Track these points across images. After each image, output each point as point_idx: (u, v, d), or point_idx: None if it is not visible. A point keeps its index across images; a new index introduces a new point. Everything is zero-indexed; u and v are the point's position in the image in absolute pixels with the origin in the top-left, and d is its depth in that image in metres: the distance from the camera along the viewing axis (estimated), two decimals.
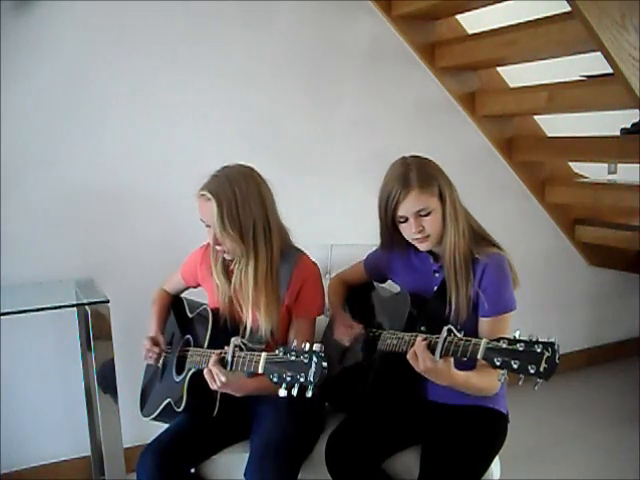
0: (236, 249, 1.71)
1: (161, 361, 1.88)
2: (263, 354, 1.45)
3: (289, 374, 1.37)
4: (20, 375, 2.36)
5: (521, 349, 1.29)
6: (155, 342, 1.86)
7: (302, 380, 1.35)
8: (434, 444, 1.64)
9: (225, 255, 1.76)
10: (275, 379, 1.39)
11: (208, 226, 1.71)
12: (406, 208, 1.61)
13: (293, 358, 1.38)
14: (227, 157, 1.77)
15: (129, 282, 2.44)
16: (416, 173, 1.61)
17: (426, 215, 1.61)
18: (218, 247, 1.73)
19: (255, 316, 1.72)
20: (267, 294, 1.72)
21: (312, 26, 2.69)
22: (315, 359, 1.35)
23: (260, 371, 1.45)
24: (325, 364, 1.35)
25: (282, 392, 1.38)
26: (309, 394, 1.36)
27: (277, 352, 1.41)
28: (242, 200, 1.67)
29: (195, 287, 1.98)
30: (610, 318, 3.63)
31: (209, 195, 1.66)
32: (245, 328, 1.75)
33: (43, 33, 2.24)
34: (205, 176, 1.71)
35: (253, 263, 1.71)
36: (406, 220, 1.63)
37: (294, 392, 1.37)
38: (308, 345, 1.38)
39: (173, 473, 1.65)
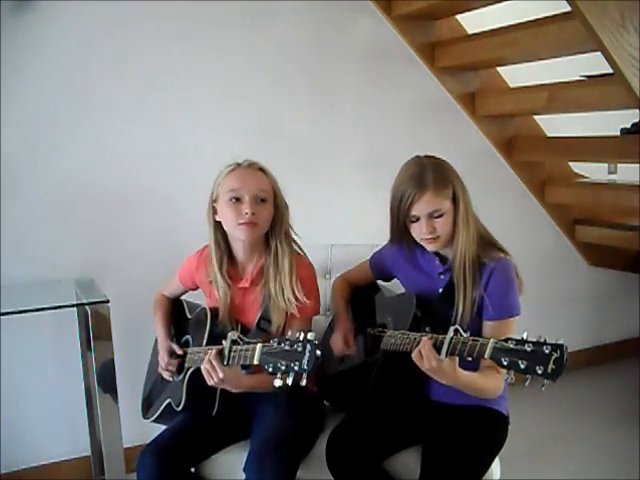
0: (270, 222, 1.73)
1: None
2: (258, 345, 1.46)
3: (283, 363, 1.38)
4: (20, 375, 2.36)
5: (529, 350, 1.29)
6: (171, 352, 1.84)
7: (296, 369, 1.36)
8: (435, 444, 1.64)
9: (250, 232, 1.68)
10: (270, 369, 1.40)
11: (238, 199, 1.67)
12: (420, 208, 1.61)
13: (287, 347, 1.39)
14: (228, 157, 1.76)
15: (129, 282, 2.44)
16: (432, 174, 1.60)
17: (439, 217, 1.61)
18: (252, 217, 1.66)
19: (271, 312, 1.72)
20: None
21: (312, 26, 2.69)
22: (309, 347, 1.36)
23: (255, 362, 1.45)
24: (319, 352, 1.36)
25: (277, 382, 1.39)
26: (303, 382, 1.37)
27: (271, 342, 1.43)
28: (279, 187, 1.76)
29: (194, 289, 1.97)
30: (610, 318, 3.63)
31: (261, 164, 1.72)
32: (246, 328, 1.76)
33: (43, 33, 2.24)
34: (208, 178, 1.71)
35: (288, 257, 1.72)
36: (417, 220, 1.63)
37: (289, 381, 1.37)
38: (302, 334, 1.38)
39: (173, 473, 1.65)
